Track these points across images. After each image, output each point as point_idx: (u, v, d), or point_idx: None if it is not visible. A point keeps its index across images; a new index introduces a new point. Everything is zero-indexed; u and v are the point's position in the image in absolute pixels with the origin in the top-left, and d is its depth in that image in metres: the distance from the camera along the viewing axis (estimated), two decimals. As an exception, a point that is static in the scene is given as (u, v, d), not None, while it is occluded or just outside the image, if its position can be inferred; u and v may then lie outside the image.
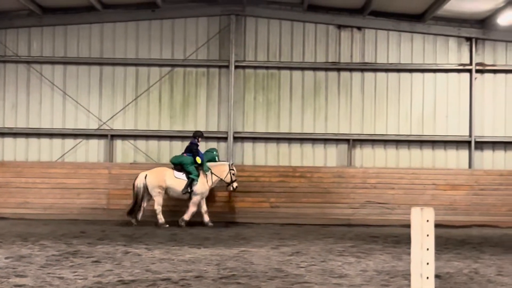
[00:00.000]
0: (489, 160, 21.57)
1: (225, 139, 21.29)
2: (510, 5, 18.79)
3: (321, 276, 10.01)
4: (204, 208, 18.98)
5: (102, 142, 21.50)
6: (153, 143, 21.55)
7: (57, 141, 21.50)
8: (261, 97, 21.57)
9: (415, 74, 21.64)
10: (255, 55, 21.60)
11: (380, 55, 21.64)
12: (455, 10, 20.24)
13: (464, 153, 21.51)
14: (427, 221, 4.98)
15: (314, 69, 21.58)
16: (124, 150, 21.51)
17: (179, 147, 21.27)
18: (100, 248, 13.07)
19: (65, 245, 13.39)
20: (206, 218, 18.95)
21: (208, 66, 21.61)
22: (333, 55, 21.59)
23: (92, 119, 21.45)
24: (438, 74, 21.62)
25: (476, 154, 21.44)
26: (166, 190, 18.79)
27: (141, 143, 21.50)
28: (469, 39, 21.57)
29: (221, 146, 21.26)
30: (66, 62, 21.54)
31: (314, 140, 21.53)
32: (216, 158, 19.46)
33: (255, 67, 21.60)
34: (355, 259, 12.06)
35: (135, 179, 18.81)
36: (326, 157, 21.56)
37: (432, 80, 21.61)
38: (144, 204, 18.78)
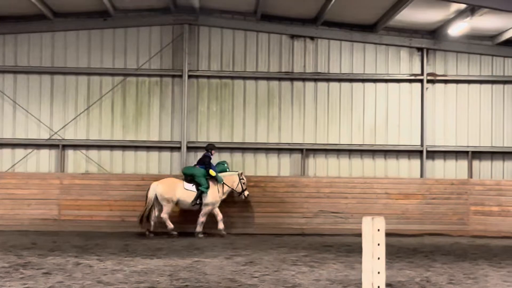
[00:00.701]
0: (440, 169, 21.80)
1: (178, 148, 21.17)
2: (460, 16, 19.05)
3: (274, 286, 10.00)
4: (219, 216, 19.17)
5: (53, 152, 21.21)
6: (105, 153, 21.33)
7: (7, 151, 21.15)
8: (214, 107, 21.53)
9: (367, 84, 21.80)
10: (209, 64, 21.54)
11: (333, 65, 21.75)
12: (407, 20, 20.46)
13: (416, 162, 21.71)
14: (378, 230, 4.99)
15: (268, 78, 21.61)
16: (75, 160, 21.25)
17: (132, 157, 21.17)
18: (51, 259, 12.91)
19: (15, 257, 13.20)
20: (221, 225, 19.16)
21: (161, 76, 21.50)
22: (287, 64, 21.65)
23: (43, 128, 21.15)
24: (390, 84, 21.81)
25: (428, 163, 21.65)
26: (177, 202, 18.93)
27: (93, 153, 21.27)
28: (420, 49, 21.81)
29: (174, 156, 21.18)
30: (16, 71, 21.22)
31: (267, 149, 21.55)
32: (227, 170, 19.76)
33: (208, 77, 21.54)
34: (308, 269, 12.09)
35: (148, 190, 18.86)
36: (280, 167, 21.59)
37: (384, 90, 21.79)
38: (156, 213, 18.87)
